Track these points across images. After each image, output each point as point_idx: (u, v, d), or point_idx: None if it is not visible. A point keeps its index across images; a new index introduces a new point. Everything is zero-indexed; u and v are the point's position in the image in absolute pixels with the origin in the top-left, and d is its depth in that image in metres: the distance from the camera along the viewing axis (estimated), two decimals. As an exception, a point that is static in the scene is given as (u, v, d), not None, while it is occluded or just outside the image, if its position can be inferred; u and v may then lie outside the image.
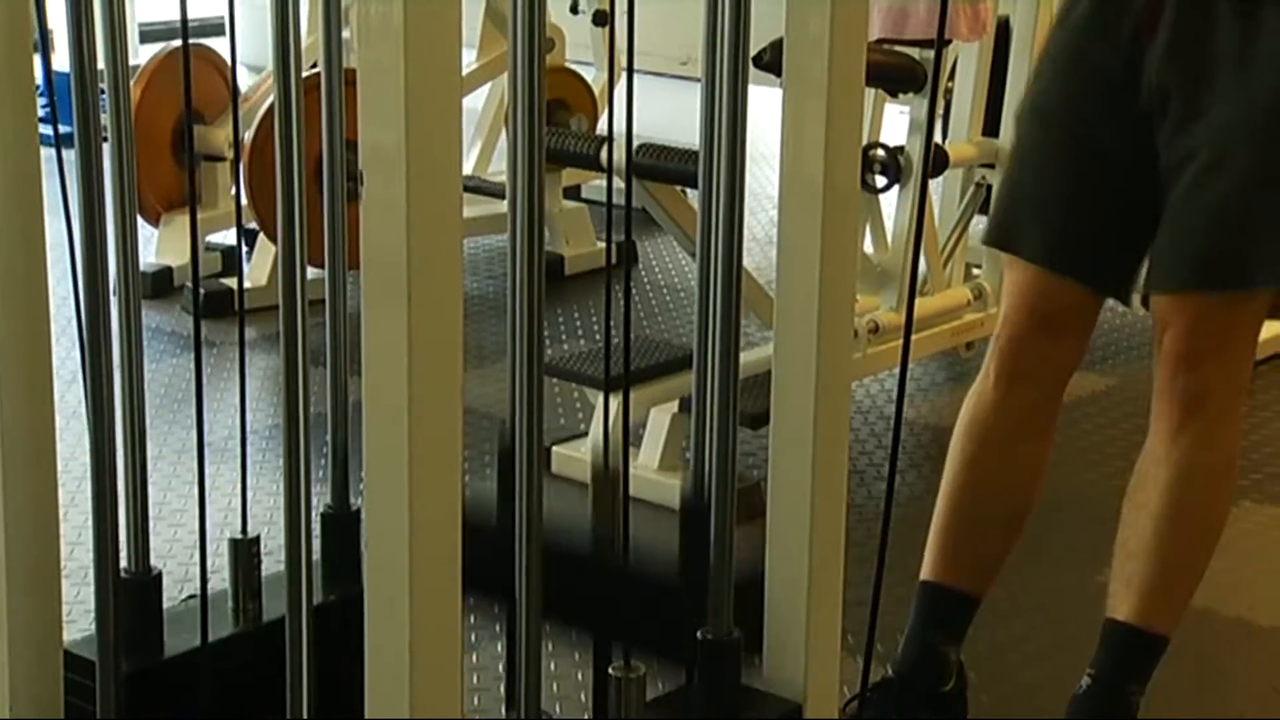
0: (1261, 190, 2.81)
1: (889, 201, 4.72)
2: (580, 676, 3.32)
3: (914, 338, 4.61)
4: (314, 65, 3.03)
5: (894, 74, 4.31)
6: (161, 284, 5.35)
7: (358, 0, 1.83)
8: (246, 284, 5.20)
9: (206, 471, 2.43)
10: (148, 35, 7.18)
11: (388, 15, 1.77)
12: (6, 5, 2.20)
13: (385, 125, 1.81)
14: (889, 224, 4.76)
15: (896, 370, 4.55)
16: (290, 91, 2.19)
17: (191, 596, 2.49)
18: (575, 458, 4.18)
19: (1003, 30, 4.85)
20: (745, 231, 2.19)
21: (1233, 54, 2.78)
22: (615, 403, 4.05)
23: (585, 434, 4.34)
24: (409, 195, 1.81)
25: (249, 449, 2.50)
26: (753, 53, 2.19)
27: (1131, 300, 3.09)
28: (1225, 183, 2.81)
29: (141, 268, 4.42)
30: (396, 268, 1.83)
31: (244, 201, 5.03)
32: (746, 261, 2.22)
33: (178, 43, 4.86)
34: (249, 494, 2.43)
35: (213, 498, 2.49)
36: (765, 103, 2.01)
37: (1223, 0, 2.78)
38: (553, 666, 3.35)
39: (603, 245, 5.42)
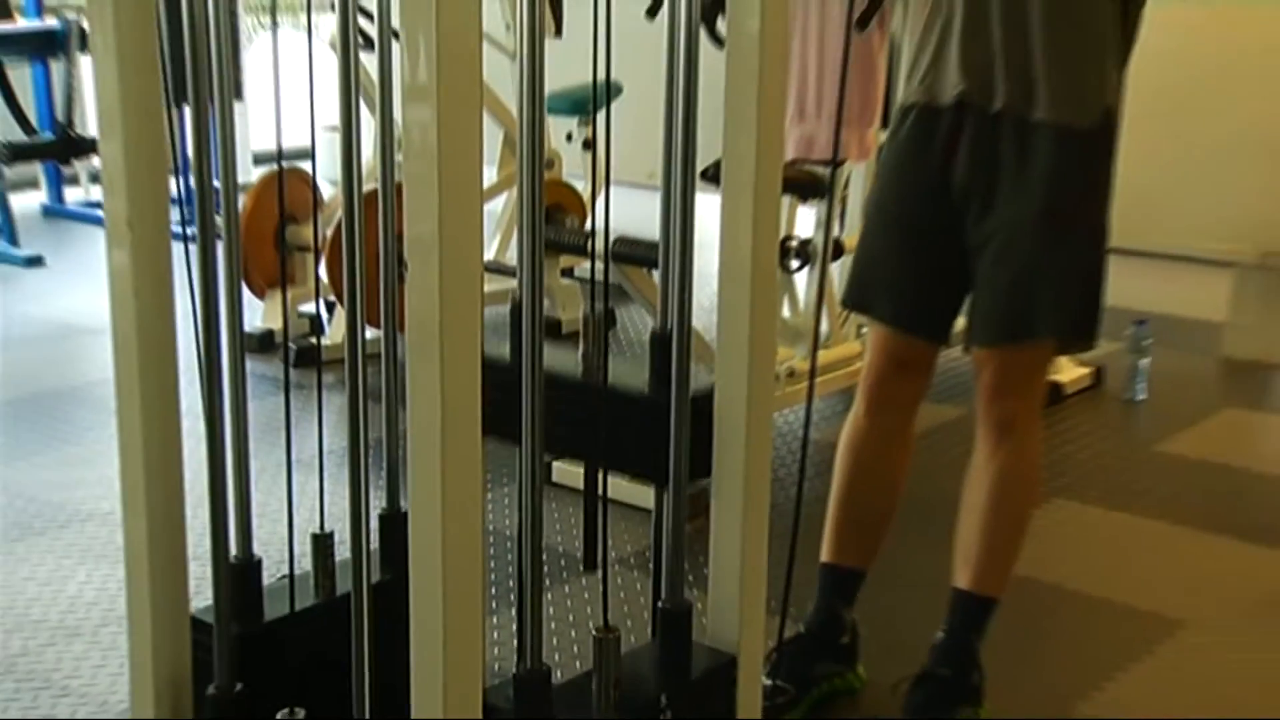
0: (1039, 267, 2.83)
1: (801, 278, 4.68)
2: (574, 634, 3.30)
3: (818, 380, 4.60)
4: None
5: (803, 185, 4.30)
6: (265, 342, 5.35)
7: (404, 132, 1.81)
8: (325, 341, 5.23)
9: (294, 482, 2.45)
10: (259, 159, 7.10)
11: (426, 142, 1.76)
12: (150, 141, 2.18)
13: (424, 222, 1.80)
14: (801, 295, 4.73)
15: (806, 403, 4.64)
16: (354, 201, 2.17)
17: (283, 577, 2.46)
18: (569, 470, 4.11)
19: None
20: (694, 301, 2.19)
21: (1013, 166, 2.81)
22: None
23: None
24: (441, 275, 1.80)
25: (325, 464, 2.48)
26: (700, 168, 2.18)
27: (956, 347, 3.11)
28: (1013, 262, 2.84)
29: (249, 329, 4.44)
30: (432, 329, 1.82)
31: (324, 281, 5.11)
32: (695, 323, 2.21)
33: (284, 165, 4.82)
34: (325, 499, 2.42)
35: (299, 501, 2.47)
36: (708, 206, 2.00)
37: (1004, 128, 2.81)
38: (553, 626, 3.32)
39: (586, 311, 5.42)
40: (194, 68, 2.24)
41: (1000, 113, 2.81)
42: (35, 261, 6.60)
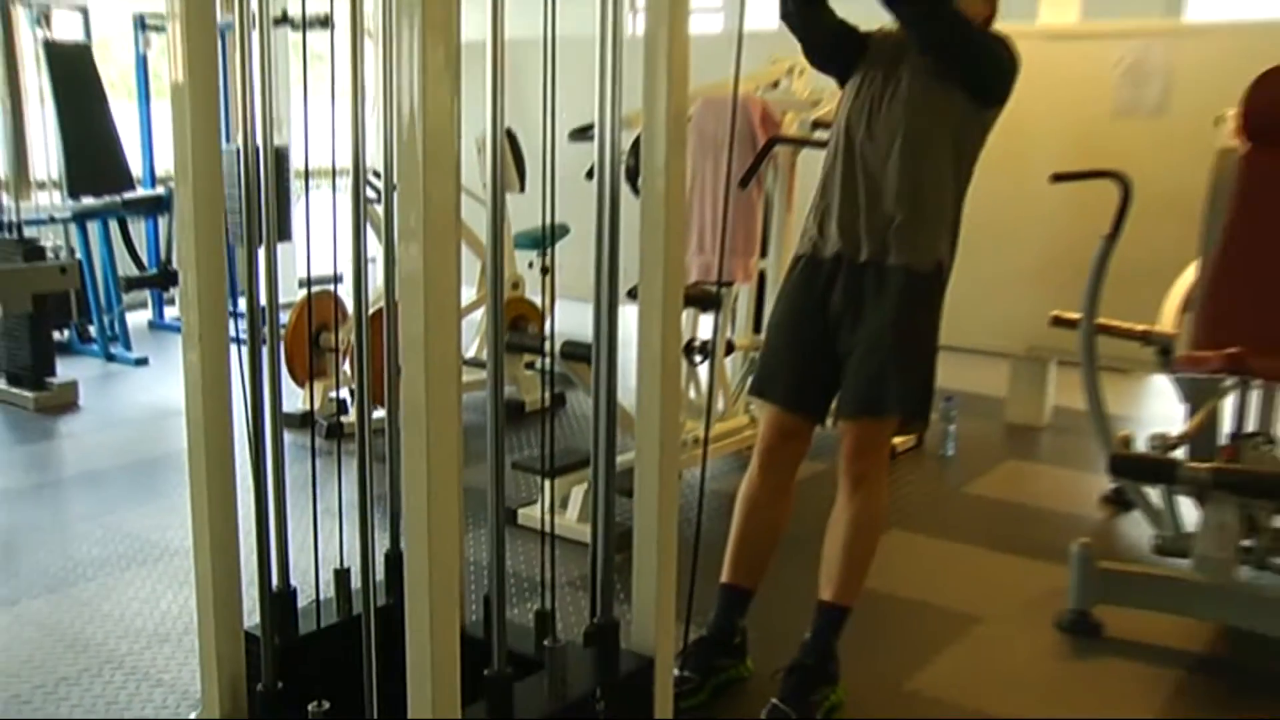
0: (889, 366, 2.83)
1: (703, 369, 4.62)
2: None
3: (716, 445, 4.56)
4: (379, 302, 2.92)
5: (704, 300, 4.25)
6: (305, 420, 5.13)
7: (399, 263, 1.74)
8: (347, 419, 5.02)
9: (319, 528, 2.41)
10: (304, 283, 6.99)
11: (414, 271, 1.69)
12: (214, 273, 2.13)
13: (414, 326, 1.73)
14: (703, 382, 4.66)
15: (708, 460, 4.60)
16: (363, 319, 2.13)
17: (313, 601, 2.37)
18: (530, 514, 4.02)
19: (761, 277, 4.81)
20: (619, 384, 2.14)
21: (873, 297, 2.86)
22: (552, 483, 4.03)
23: (535, 500, 4.16)
24: (427, 370, 1.73)
25: (345, 515, 2.38)
26: (624, 289, 2.13)
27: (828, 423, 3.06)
28: (871, 362, 2.85)
29: (292, 410, 4.31)
30: (420, 409, 1.76)
31: (346, 374, 4.98)
32: (621, 400, 2.16)
33: (317, 288, 4.75)
34: (344, 542, 2.34)
35: (324, 543, 2.42)
36: (629, 316, 1.94)
37: (868, 271, 2.86)
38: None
39: (545, 395, 5.38)
40: (246, 219, 2.20)
41: (865, 261, 2.88)
42: (142, 362, 6.53)
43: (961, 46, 2.79)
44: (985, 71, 2.83)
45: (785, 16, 2.97)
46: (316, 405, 5.11)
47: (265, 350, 2.23)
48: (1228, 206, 3.73)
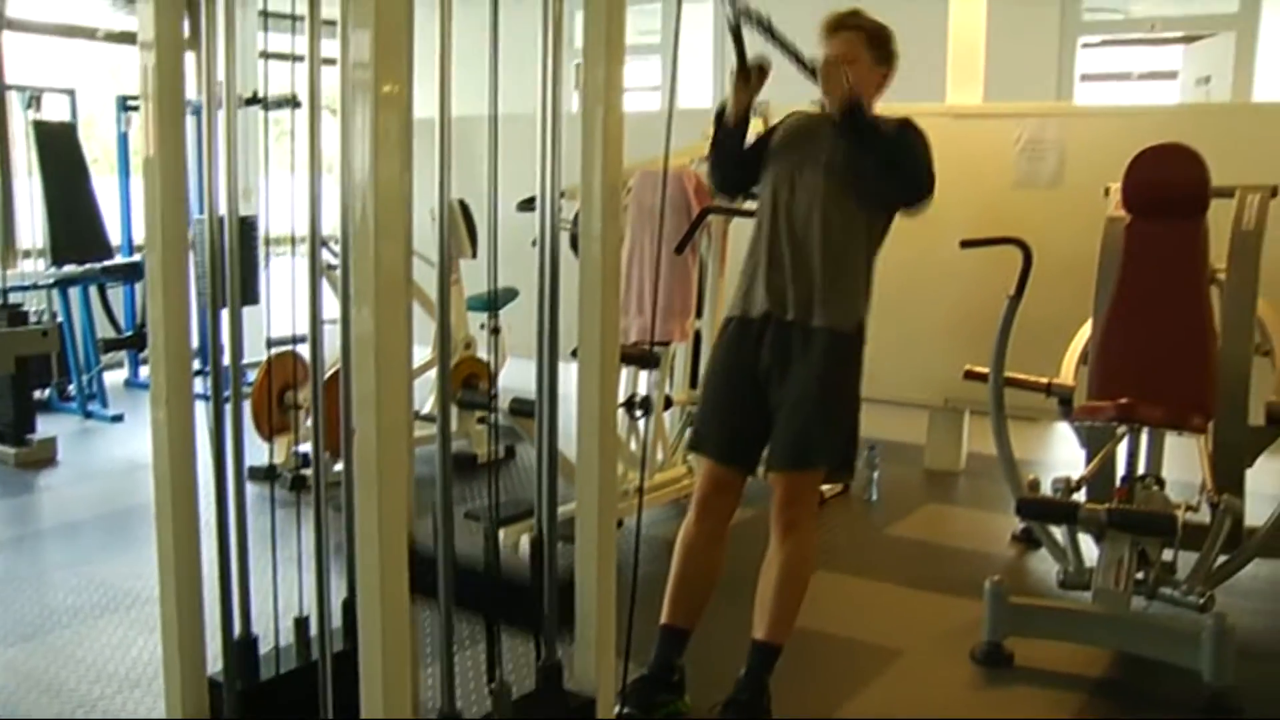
0: (815, 420, 2.84)
1: (644, 422, 4.58)
2: (480, 685, 3.14)
3: (656, 493, 4.52)
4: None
5: (641, 359, 4.22)
6: (270, 473, 4.96)
7: (353, 324, 1.70)
8: (310, 472, 4.91)
9: (281, 577, 2.35)
10: (273, 342, 6.87)
11: (366, 333, 1.64)
12: (178, 336, 2.08)
13: (365, 385, 1.69)
14: (643, 435, 4.62)
15: (648, 508, 4.55)
16: (319, 380, 2.08)
17: (273, 648, 2.30)
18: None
19: (697, 336, 4.80)
20: (560, 436, 2.10)
21: (800, 355, 2.87)
22: (500, 532, 3.94)
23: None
24: (378, 427, 1.69)
25: (304, 564, 2.31)
26: (565, 349, 2.10)
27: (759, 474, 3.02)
28: (799, 416, 2.85)
29: (258, 464, 4.22)
30: (372, 465, 1.71)
31: (310, 429, 4.81)
32: (563, 448, 2.12)
33: (283, 348, 4.66)
34: (304, 590, 2.27)
35: (287, 591, 2.36)
36: (570, 374, 1.91)
37: (794, 331, 2.87)
38: (469, 678, 3.14)
39: (493, 449, 5.39)
40: (211, 284, 2.16)
41: (791, 322, 2.89)
42: (118, 419, 6.40)
43: (907, 182, 2.86)
44: (918, 192, 2.89)
45: (722, 187, 3.14)
46: (280, 459, 5.01)
47: (229, 407, 2.18)
48: (1116, 270, 3.79)
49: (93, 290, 6.81)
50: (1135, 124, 4.80)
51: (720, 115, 2.96)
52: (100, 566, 4.08)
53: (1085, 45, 7.44)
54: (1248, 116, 5.31)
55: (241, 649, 2.23)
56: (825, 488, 4.92)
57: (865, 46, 2.94)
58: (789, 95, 3.38)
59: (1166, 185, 3.74)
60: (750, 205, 4.38)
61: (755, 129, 3.05)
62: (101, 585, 3.88)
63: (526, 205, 2.28)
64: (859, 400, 2.94)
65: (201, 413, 2.17)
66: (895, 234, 3.01)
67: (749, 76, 2.88)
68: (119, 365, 7.54)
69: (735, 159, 3.02)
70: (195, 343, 2.23)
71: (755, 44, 2.89)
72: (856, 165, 2.85)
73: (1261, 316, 3.88)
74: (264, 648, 2.30)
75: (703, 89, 8.16)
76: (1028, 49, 7.19)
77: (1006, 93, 6.25)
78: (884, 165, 2.84)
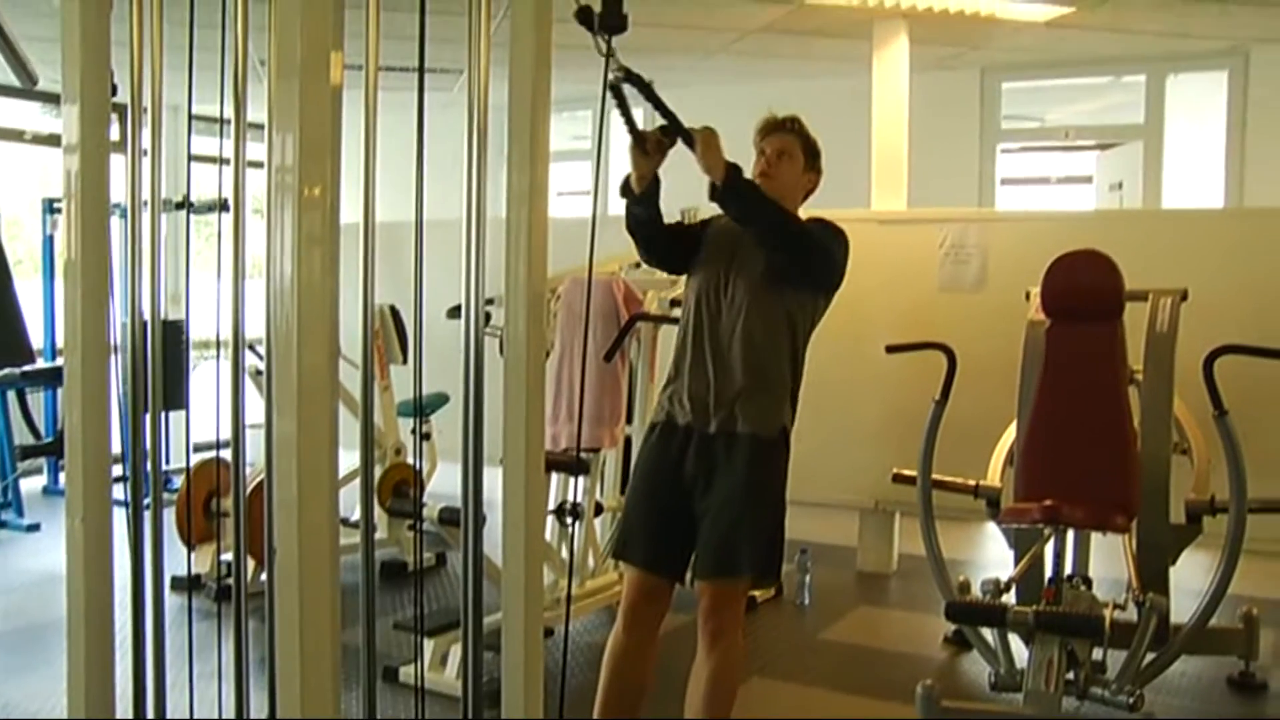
0: (740, 528, 2.85)
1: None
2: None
3: (587, 600, 4.47)
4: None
5: (571, 466, 4.21)
6: (194, 583, 4.85)
7: (275, 436, 1.69)
8: (230, 582, 4.80)
9: (196, 696, 2.30)
10: (199, 447, 6.77)
11: (288, 437, 1.63)
12: (98, 445, 2.04)
13: (287, 491, 1.66)
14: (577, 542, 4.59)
15: (580, 615, 4.50)
16: (241, 485, 2.04)
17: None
18: (411, 672, 3.86)
19: (627, 442, 4.79)
20: (484, 544, 2.07)
21: (723, 463, 2.88)
22: (429, 641, 3.90)
23: (412, 660, 3.99)
24: (300, 534, 1.66)
25: (225, 680, 2.24)
26: (496, 455, 2.09)
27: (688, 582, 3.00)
28: (723, 524, 2.85)
29: (180, 574, 4.12)
30: (293, 575, 1.67)
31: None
32: (488, 551, 2.09)
33: (208, 455, 4.59)
34: (223, 707, 2.19)
35: (201, 709, 2.28)
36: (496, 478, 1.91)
37: (718, 438, 2.90)
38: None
39: (427, 556, 5.28)
40: (134, 387, 2.13)
41: (715, 429, 2.90)
42: (34, 528, 6.25)
43: (794, 246, 2.88)
44: (815, 268, 2.93)
45: (650, 261, 3.10)
46: (204, 569, 4.89)
47: (149, 515, 2.14)
48: (1037, 372, 3.88)
49: (11, 396, 6.68)
50: (1054, 229, 4.97)
51: (625, 187, 2.92)
52: (4, 687, 3.91)
53: (1005, 151, 7.71)
54: (1157, 222, 5.52)
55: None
56: (757, 592, 4.90)
57: (801, 150, 3.04)
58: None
59: (1082, 291, 3.85)
60: (679, 313, 4.45)
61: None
62: (5, 707, 3.72)
63: (456, 313, 2.29)
64: (784, 506, 2.95)
65: (121, 520, 2.12)
66: (824, 337, 3.05)
67: (644, 142, 2.82)
68: (38, 472, 7.36)
69: (657, 228, 2.95)
70: (117, 448, 2.19)
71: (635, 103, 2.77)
72: (777, 268, 2.88)
73: (1178, 415, 3.98)
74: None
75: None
76: (949, 155, 7.42)
77: (930, 198, 6.44)
78: (776, 234, 2.84)
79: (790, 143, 3.03)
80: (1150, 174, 7.19)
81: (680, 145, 2.85)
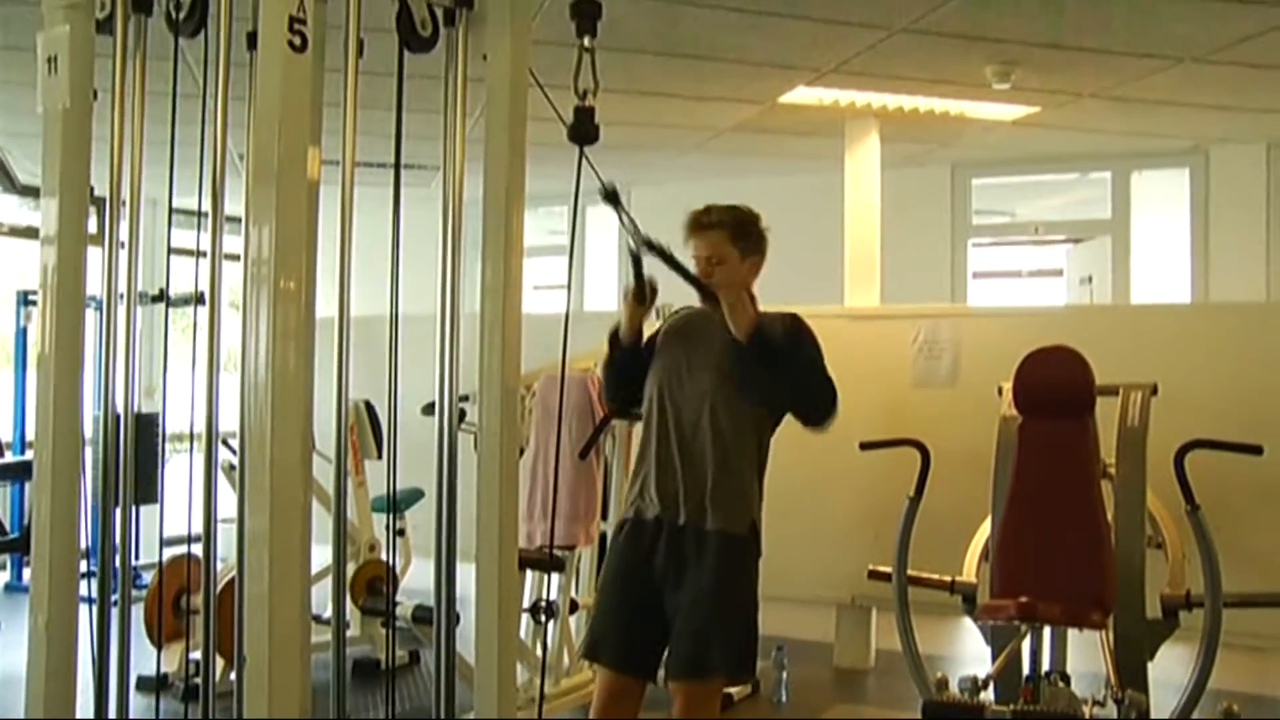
0: (712, 626, 2.81)
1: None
2: None
3: (563, 699, 4.40)
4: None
5: (544, 563, 4.17)
6: (161, 682, 4.71)
7: (248, 533, 1.67)
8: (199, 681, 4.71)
9: None
10: (168, 541, 6.68)
11: (260, 532, 1.62)
12: (65, 543, 2.02)
13: (258, 586, 1.64)
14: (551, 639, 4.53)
15: (555, 714, 4.41)
16: (213, 590, 2.01)
17: None
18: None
19: (603, 538, 4.76)
20: (458, 642, 2.02)
21: (694, 559, 2.85)
22: None
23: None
24: (272, 630, 1.63)
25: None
26: (471, 551, 2.07)
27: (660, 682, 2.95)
28: (695, 622, 2.81)
29: (148, 674, 4.03)
30: (264, 669, 1.64)
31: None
32: (461, 649, 2.05)
33: (179, 550, 4.53)
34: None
35: None
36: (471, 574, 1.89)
37: (687, 534, 2.87)
38: None
39: (400, 653, 5.23)
40: (105, 481, 2.11)
41: (683, 525, 2.87)
42: (-6, 627, 6.06)
43: (810, 397, 2.90)
44: (814, 417, 2.94)
45: (617, 411, 3.12)
46: (172, 668, 4.79)
47: (116, 618, 2.10)
48: (1011, 467, 3.89)
49: (-23, 490, 6.61)
50: (1025, 324, 5.02)
51: (615, 335, 3.00)
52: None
53: (976, 245, 7.82)
54: (1126, 317, 5.59)
55: None
56: (733, 689, 4.84)
57: (730, 243, 2.91)
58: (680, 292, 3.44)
59: (1053, 386, 3.89)
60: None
61: (649, 326, 3.10)
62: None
63: (430, 410, 2.29)
64: (756, 602, 2.91)
65: (86, 618, 2.08)
66: (798, 431, 3.04)
67: (644, 297, 2.93)
68: (1, 569, 7.24)
69: (629, 378, 3.04)
70: (85, 542, 2.16)
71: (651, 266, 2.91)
72: (749, 369, 2.87)
73: (1152, 509, 3.99)
74: None
75: (608, 291, 8.34)
76: (921, 250, 7.52)
77: (902, 292, 6.51)
78: (785, 383, 2.88)
79: (717, 240, 2.90)
80: (1119, 268, 7.30)
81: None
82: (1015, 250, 9.06)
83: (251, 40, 2.06)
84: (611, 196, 2.56)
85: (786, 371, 2.87)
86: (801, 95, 5.55)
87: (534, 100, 2.10)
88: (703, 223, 2.93)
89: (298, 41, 1.71)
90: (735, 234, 2.93)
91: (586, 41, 2.14)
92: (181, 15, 2.17)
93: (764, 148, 6.81)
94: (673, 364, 2.97)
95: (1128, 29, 4.45)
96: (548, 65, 2.16)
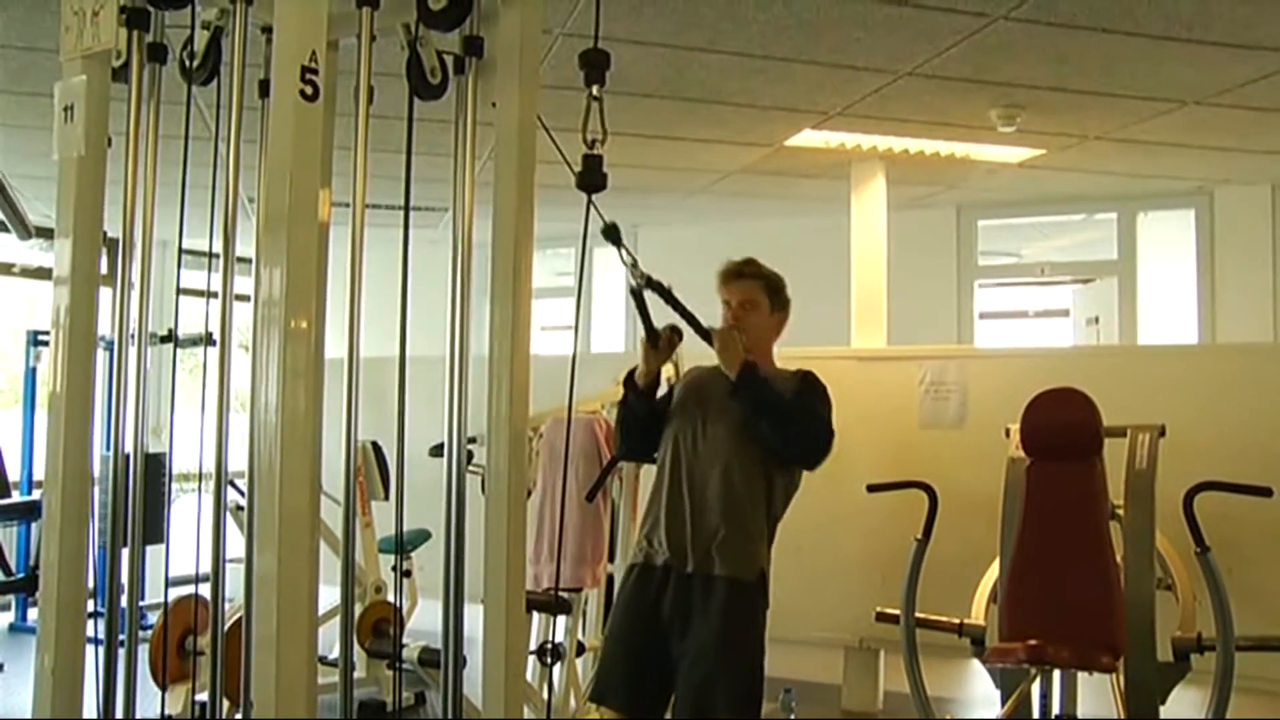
0: (719, 671, 2.82)
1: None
2: None
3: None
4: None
5: (551, 606, 4.16)
6: None
7: (256, 571, 1.68)
8: (211, 721, 4.71)
9: None
10: (174, 581, 6.64)
11: (268, 573, 1.62)
12: (74, 582, 2.02)
13: (266, 627, 1.64)
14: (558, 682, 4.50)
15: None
16: (220, 631, 2.01)
17: None
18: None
19: (610, 581, 4.75)
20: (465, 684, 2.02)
21: (701, 605, 2.87)
22: None
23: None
24: (279, 672, 1.63)
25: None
26: (478, 594, 2.06)
27: None
28: (702, 667, 2.83)
29: (150, 715, 4.03)
30: (270, 709, 1.64)
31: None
32: (468, 692, 2.04)
33: (186, 590, 4.53)
34: None
35: None
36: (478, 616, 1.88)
37: (695, 580, 2.90)
38: None
39: (406, 695, 5.18)
40: (114, 521, 2.11)
41: (692, 572, 2.90)
42: (-3, 668, 6.04)
43: (800, 441, 2.93)
44: (811, 459, 2.98)
45: (627, 454, 3.28)
46: (177, 709, 4.77)
47: (123, 657, 2.10)
48: (1019, 509, 3.88)
49: (-16, 530, 6.61)
50: (1032, 365, 5.02)
51: (630, 379, 3.03)
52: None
53: (982, 286, 7.84)
54: (1133, 358, 5.60)
55: None
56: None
57: (764, 293, 3.07)
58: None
59: (1061, 429, 3.89)
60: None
61: (666, 376, 3.13)
62: None
63: (438, 451, 2.30)
64: (763, 649, 2.92)
65: (93, 659, 2.08)
66: (806, 474, 3.04)
67: (658, 341, 2.96)
68: (5, 609, 7.23)
69: (643, 425, 3.07)
70: (92, 583, 2.16)
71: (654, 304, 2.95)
72: (773, 449, 2.92)
73: (1161, 551, 3.98)
74: None
75: (616, 333, 8.36)
76: (928, 292, 7.54)
77: (909, 334, 6.52)
78: (778, 425, 2.90)
79: (752, 289, 3.06)
80: (1125, 308, 7.31)
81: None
82: (1022, 291, 9.07)
83: (264, 88, 2.09)
84: (611, 233, 2.59)
85: (777, 413, 2.90)
86: (808, 138, 5.59)
87: (541, 142, 2.12)
88: (744, 271, 3.08)
89: (309, 91, 1.74)
90: (768, 287, 3.09)
91: (595, 90, 2.16)
92: (194, 64, 2.20)
93: (771, 190, 6.85)
94: (689, 417, 3.02)
95: (1131, 73, 4.48)
96: (555, 108, 2.19)
